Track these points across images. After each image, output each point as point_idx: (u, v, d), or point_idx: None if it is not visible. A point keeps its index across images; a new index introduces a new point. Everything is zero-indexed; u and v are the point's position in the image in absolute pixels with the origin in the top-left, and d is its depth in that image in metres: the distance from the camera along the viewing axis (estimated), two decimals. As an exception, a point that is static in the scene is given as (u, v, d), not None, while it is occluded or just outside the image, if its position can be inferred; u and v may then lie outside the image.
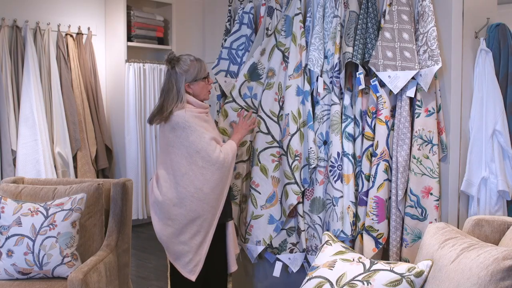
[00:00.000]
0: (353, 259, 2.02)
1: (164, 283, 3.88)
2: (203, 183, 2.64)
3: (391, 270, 1.89)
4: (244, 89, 3.14)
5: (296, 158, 2.93)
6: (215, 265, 2.85)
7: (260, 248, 3.06)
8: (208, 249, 2.72)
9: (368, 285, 1.86)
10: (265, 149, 3.06)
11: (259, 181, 3.05)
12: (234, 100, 3.14)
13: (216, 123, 3.32)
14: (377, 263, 1.96)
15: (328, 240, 2.21)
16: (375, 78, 2.68)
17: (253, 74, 3.13)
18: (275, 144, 3.05)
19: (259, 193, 3.05)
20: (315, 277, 2.03)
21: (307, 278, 2.09)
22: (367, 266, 1.95)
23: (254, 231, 3.06)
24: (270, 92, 3.05)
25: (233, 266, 2.89)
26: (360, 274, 1.92)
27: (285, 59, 3.04)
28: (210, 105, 2.91)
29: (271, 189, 3.04)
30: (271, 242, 3.05)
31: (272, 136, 3.05)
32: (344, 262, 2.01)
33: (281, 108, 3.04)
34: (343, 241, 2.64)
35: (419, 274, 1.87)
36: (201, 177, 2.64)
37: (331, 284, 1.94)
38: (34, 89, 4.52)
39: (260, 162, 3.05)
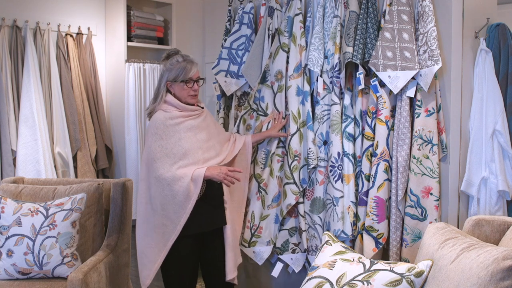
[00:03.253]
0: (353, 259, 2.02)
1: (164, 283, 3.88)
2: (151, 195, 2.54)
3: (391, 270, 1.89)
4: (256, 93, 3.16)
5: (295, 158, 2.94)
6: (214, 275, 2.72)
7: (270, 248, 3.05)
8: (159, 266, 2.55)
9: (368, 285, 1.86)
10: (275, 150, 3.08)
11: (267, 181, 3.07)
12: (251, 108, 3.16)
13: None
14: (377, 263, 1.96)
15: (328, 240, 2.21)
16: (375, 78, 2.68)
17: (262, 77, 3.12)
18: (281, 144, 3.07)
19: (267, 193, 3.07)
20: (315, 277, 2.03)
21: (307, 278, 2.09)
22: (367, 266, 1.95)
23: (264, 232, 3.07)
24: (281, 95, 3.05)
25: (230, 273, 2.67)
26: (360, 274, 1.92)
27: (287, 60, 3.04)
28: (202, 107, 2.72)
29: (276, 189, 3.06)
30: (275, 241, 3.07)
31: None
32: (344, 262, 2.01)
33: (286, 108, 3.05)
34: (343, 241, 2.64)
35: (419, 274, 1.87)
36: (152, 189, 2.54)
37: (331, 284, 1.94)
38: (34, 89, 4.52)
39: (271, 164, 3.06)
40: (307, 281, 2.06)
